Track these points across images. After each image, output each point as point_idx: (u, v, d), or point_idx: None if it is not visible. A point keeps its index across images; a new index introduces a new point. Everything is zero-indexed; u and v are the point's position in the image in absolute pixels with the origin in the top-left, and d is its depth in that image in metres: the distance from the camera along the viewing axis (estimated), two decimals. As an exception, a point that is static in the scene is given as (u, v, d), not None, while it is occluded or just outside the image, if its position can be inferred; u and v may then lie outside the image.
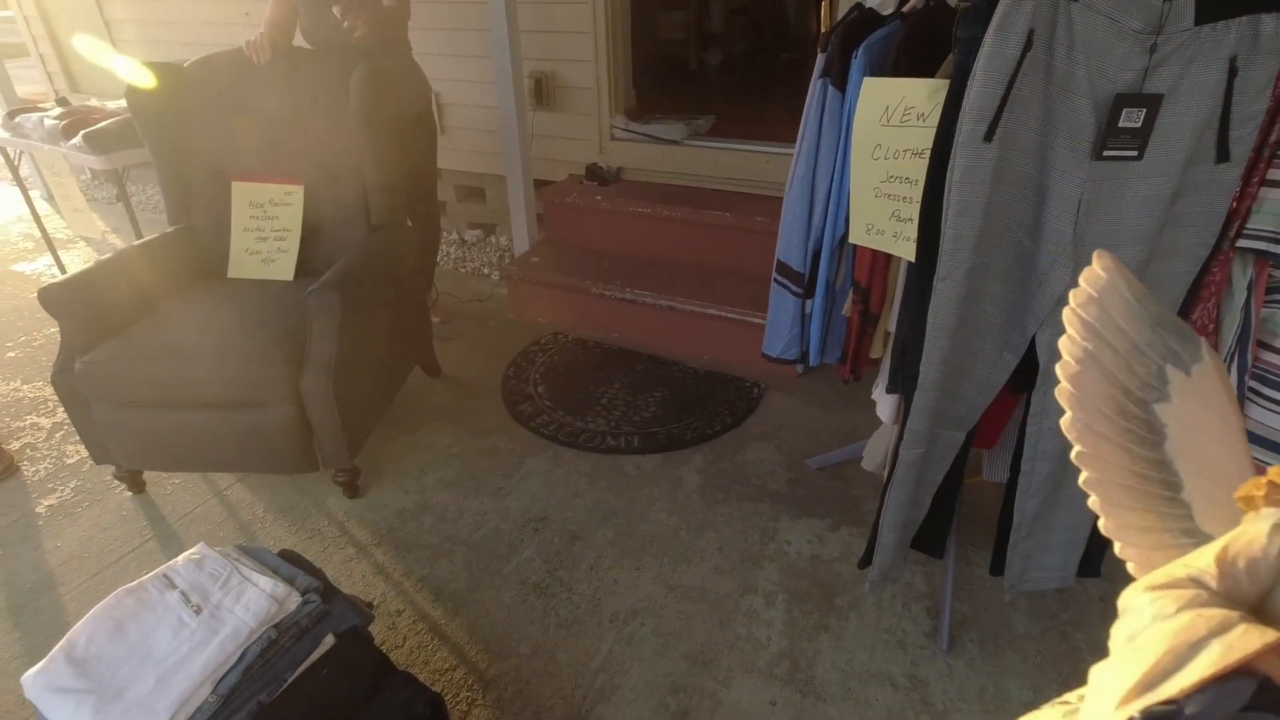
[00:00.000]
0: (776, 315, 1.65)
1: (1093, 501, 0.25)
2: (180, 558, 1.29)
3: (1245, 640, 0.17)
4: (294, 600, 1.22)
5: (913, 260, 1.26)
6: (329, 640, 1.21)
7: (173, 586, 1.23)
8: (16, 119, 2.65)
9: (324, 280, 1.78)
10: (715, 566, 1.75)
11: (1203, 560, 0.19)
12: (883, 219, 1.34)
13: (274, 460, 1.85)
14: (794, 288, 1.59)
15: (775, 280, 1.63)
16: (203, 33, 3.69)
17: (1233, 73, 0.99)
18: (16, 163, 2.95)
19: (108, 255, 1.95)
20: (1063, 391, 0.25)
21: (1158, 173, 1.06)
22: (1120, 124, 1.04)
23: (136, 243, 2.02)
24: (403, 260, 2.18)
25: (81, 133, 2.37)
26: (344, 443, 1.83)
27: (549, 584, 1.71)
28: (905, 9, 1.37)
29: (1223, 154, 1.04)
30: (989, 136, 1.05)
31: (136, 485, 1.99)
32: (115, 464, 1.91)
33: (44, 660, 1.12)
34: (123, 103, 2.51)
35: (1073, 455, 0.25)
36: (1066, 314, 0.25)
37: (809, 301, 1.59)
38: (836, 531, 1.85)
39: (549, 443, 2.20)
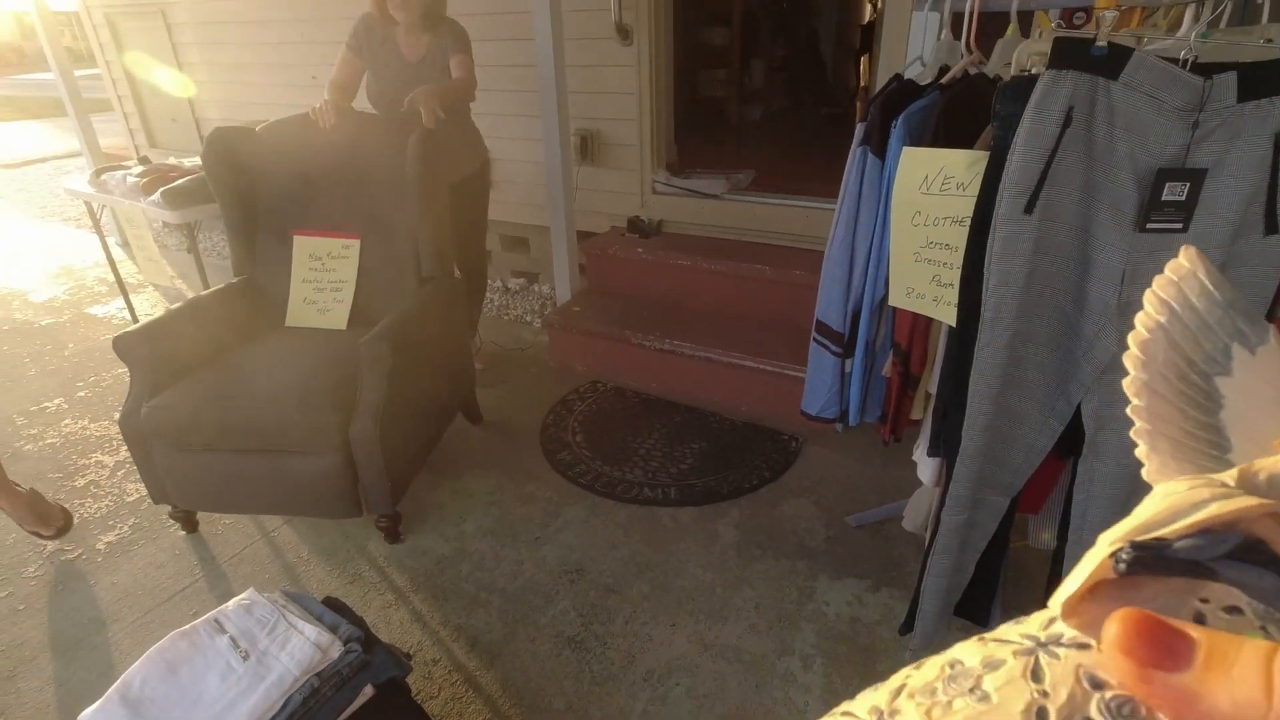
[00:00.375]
0: (816, 374, 1.66)
1: (1140, 450, 0.25)
2: (231, 603, 1.33)
3: (1244, 500, 0.18)
4: (336, 649, 1.25)
5: (954, 325, 1.26)
6: (368, 691, 1.23)
7: (223, 631, 1.27)
8: (102, 176, 2.85)
9: (376, 331, 1.85)
10: (751, 625, 1.73)
11: (1225, 474, 0.20)
12: (923, 283, 1.36)
13: (321, 505, 1.90)
14: (833, 347, 1.60)
15: (814, 339, 1.64)
16: (276, 94, 3.93)
17: (1278, 147, 0.99)
18: (99, 215, 3.16)
19: (177, 304, 2.06)
20: (1130, 356, 0.26)
21: (1204, 245, 1.05)
22: (1163, 197, 1.04)
23: (204, 293, 2.14)
24: (450, 311, 2.25)
25: (160, 190, 2.54)
26: (388, 489, 1.87)
27: (584, 638, 1.71)
28: (944, 80, 1.40)
29: (1271, 226, 1.04)
30: (1029, 209, 1.07)
31: (190, 525, 2.06)
32: (171, 503, 1.99)
33: (100, 700, 1.16)
34: (198, 160, 2.69)
35: (1129, 409, 0.25)
36: (1146, 293, 0.26)
37: (848, 361, 1.60)
38: (877, 593, 1.81)
39: (586, 492, 2.21)
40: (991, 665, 0.18)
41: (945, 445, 1.32)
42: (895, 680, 0.20)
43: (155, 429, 1.82)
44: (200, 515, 2.09)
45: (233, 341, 2.05)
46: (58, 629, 1.77)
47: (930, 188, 1.28)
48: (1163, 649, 0.15)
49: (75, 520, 2.12)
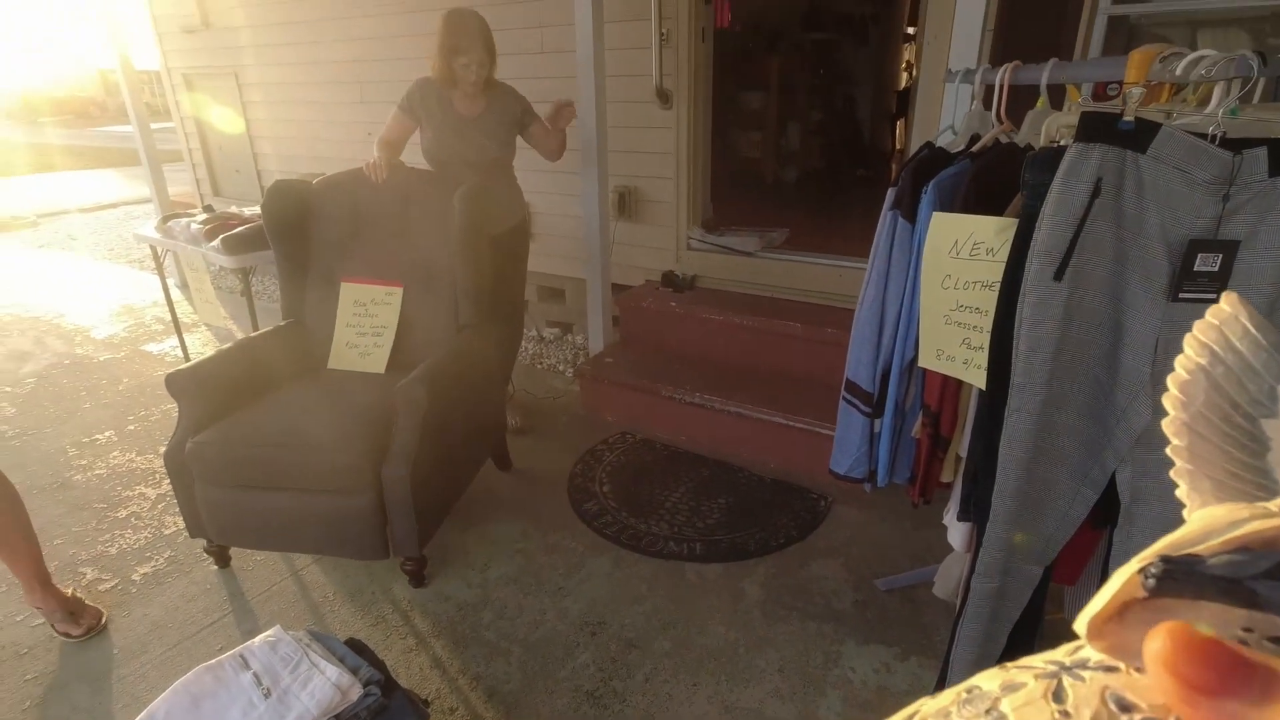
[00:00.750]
0: (845, 433, 1.66)
1: (1180, 491, 0.24)
2: (258, 639, 1.35)
3: None
4: (356, 691, 1.25)
5: (983, 389, 1.26)
6: (386, 735, 1.22)
7: (247, 667, 1.29)
8: (169, 223, 3.04)
9: (413, 376, 1.90)
10: (775, 689, 1.68)
11: (1270, 503, 0.18)
12: (953, 345, 1.36)
13: (350, 545, 1.93)
14: (862, 406, 1.59)
15: (844, 398, 1.64)
16: (333, 149, 4.15)
17: (1313, 222, 0.99)
18: (163, 259, 3.34)
19: (227, 345, 2.15)
20: (1170, 397, 0.25)
21: (1239, 315, 1.04)
22: (1196, 267, 1.04)
23: (253, 334, 2.23)
24: (485, 359, 2.31)
25: (220, 237, 2.69)
26: (415, 532, 1.90)
27: (603, 693, 1.68)
28: (975, 149, 1.43)
29: (1309, 299, 1.03)
30: (1059, 276, 1.07)
31: (223, 560, 2.11)
32: (207, 538, 2.03)
33: (126, 730, 1.18)
34: (257, 209, 2.84)
35: (1168, 449, 0.24)
36: (1186, 337, 0.25)
37: (877, 421, 1.59)
38: (905, 661, 1.75)
39: (611, 544, 2.21)
40: (1011, 688, 0.17)
41: (976, 510, 1.30)
42: (909, 709, 0.20)
43: (197, 464, 1.88)
44: (233, 551, 2.13)
45: (276, 381, 2.13)
46: (88, 658, 1.80)
47: (960, 252, 1.30)
48: (1218, 671, 0.14)
49: (115, 552, 2.19)
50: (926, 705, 0.20)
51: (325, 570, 2.11)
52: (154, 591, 2.02)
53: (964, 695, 0.19)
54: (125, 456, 2.75)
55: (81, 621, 1.86)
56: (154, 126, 4.54)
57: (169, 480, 1.98)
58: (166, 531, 2.29)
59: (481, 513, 2.37)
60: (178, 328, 3.50)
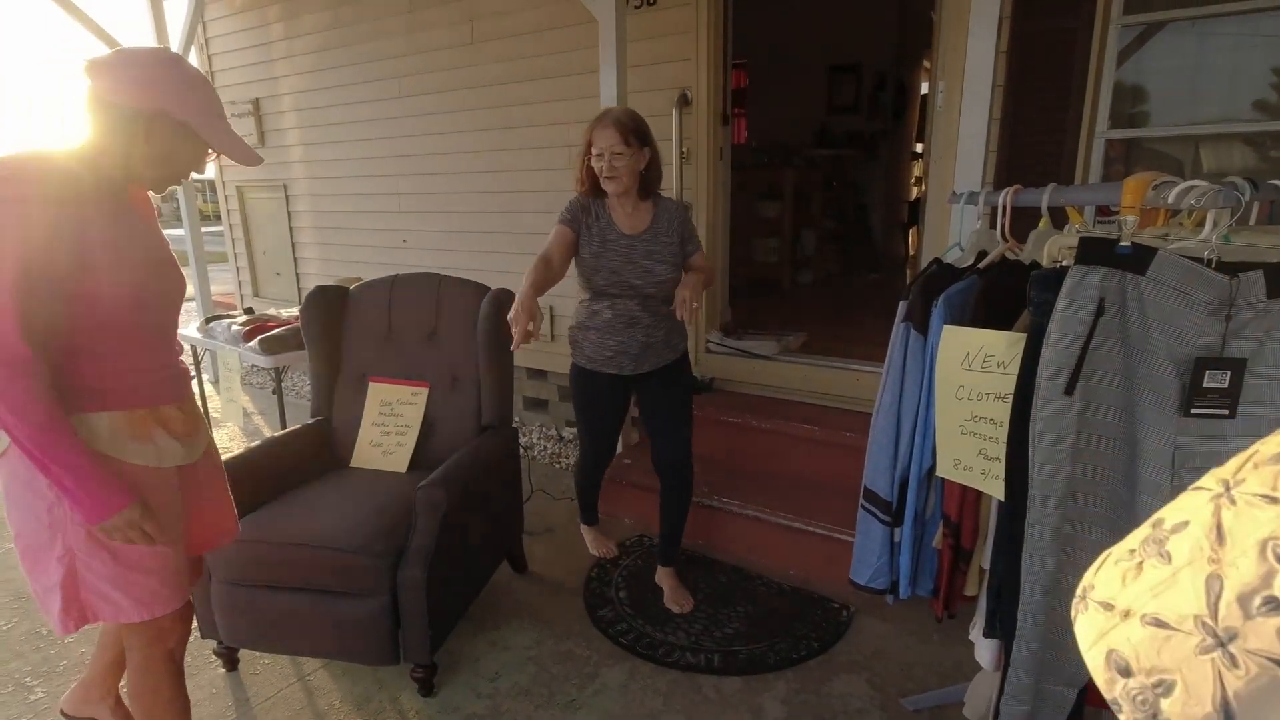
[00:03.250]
0: (864, 542, 1.63)
1: None
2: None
3: None
4: (360, 810, 1.20)
5: (1002, 499, 1.25)
6: None
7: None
8: (211, 324, 3.19)
9: (433, 477, 1.93)
10: (799, 822, 1.57)
11: None
12: (969, 455, 1.37)
13: (360, 650, 1.89)
14: (881, 515, 1.58)
15: (862, 506, 1.63)
16: (370, 254, 4.37)
17: (1316, 341, 1.01)
18: (201, 358, 3.48)
19: (256, 442, 2.21)
20: None
21: (1254, 431, 1.05)
22: (1205, 384, 1.06)
23: (280, 432, 2.29)
24: (505, 459, 2.34)
25: (258, 338, 2.81)
26: (428, 637, 1.86)
27: (615, 821, 1.58)
28: (981, 265, 1.50)
29: (1323, 416, 1.03)
30: (1069, 390, 1.10)
31: (231, 663, 2.07)
32: (217, 639, 2.01)
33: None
34: (294, 310, 2.98)
35: None
36: None
37: (897, 530, 1.58)
38: (939, 794, 1.64)
39: (626, 653, 2.14)
40: (1178, 527, 0.17)
41: (1002, 627, 1.26)
42: (1101, 556, 0.19)
43: (217, 562, 1.89)
44: (241, 654, 2.09)
45: (300, 478, 2.16)
46: (88, 765, 1.75)
47: (972, 364, 1.33)
48: None
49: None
50: (1116, 549, 0.20)
51: (333, 676, 2.06)
52: (160, 695, 1.98)
53: (1148, 530, 0.19)
54: (144, 551, 2.75)
55: None
56: (204, 230, 4.84)
57: (187, 578, 1.97)
58: (178, 631, 2.26)
59: (494, 617, 2.32)
60: (209, 424, 3.59)
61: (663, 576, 2.42)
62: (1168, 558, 0.19)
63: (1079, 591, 0.22)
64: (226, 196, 5.19)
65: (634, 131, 1.96)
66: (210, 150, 1.31)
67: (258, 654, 2.11)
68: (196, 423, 1.44)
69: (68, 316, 1.19)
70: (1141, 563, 0.20)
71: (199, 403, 3.35)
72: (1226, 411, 1.06)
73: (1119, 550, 0.22)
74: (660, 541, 2.43)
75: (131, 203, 1.31)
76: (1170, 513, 0.21)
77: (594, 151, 1.97)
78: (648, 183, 2.06)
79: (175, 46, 4.39)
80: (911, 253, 6.05)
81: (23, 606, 2.40)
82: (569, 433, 3.86)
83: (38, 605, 1.32)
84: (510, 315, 1.70)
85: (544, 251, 1.95)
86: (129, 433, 1.27)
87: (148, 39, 4.34)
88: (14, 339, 1.10)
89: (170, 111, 1.23)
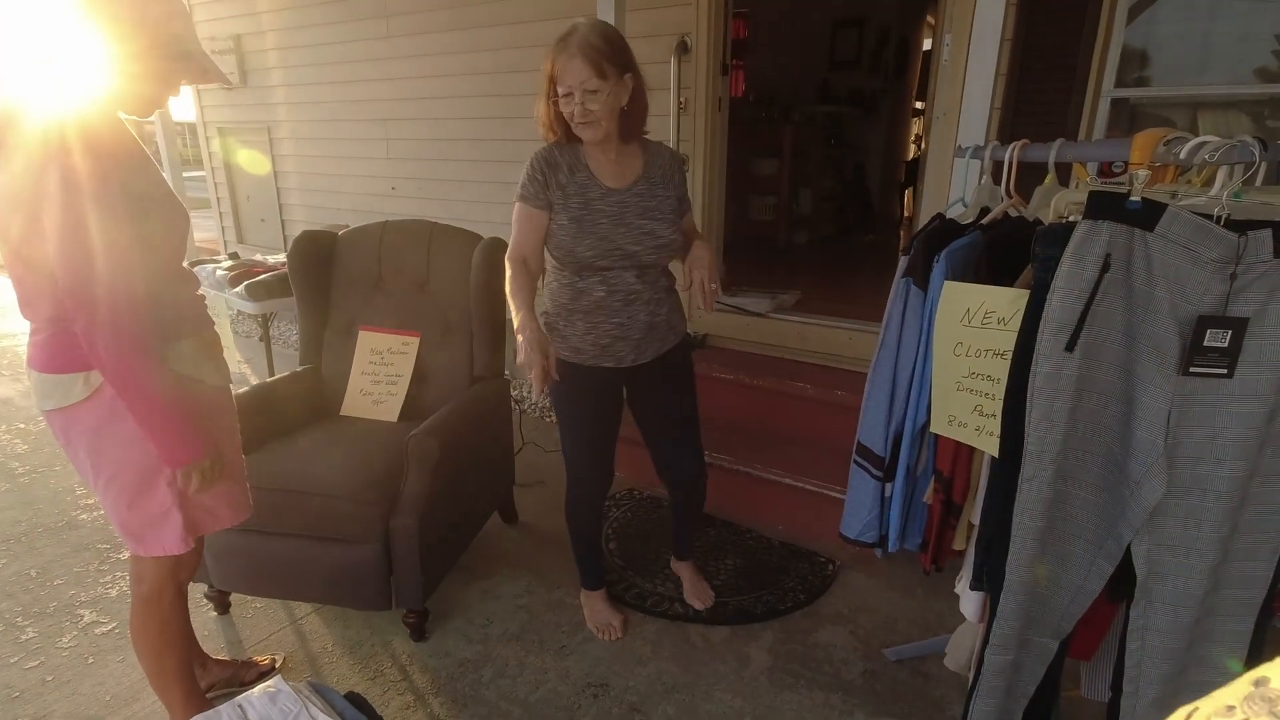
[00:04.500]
0: (856, 496, 1.65)
1: None
2: (257, 689, 1.33)
3: None
4: (355, 747, 1.22)
5: (996, 456, 1.26)
6: (382, 796, 1.19)
7: (245, 718, 1.27)
8: (195, 268, 3.12)
9: (424, 426, 1.92)
10: (782, 764, 1.62)
11: None
12: (965, 412, 1.37)
13: (353, 595, 1.91)
14: (874, 470, 1.59)
15: (855, 461, 1.64)
16: (358, 201, 4.28)
17: (1320, 302, 1.01)
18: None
19: (243, 389, 2.18)
20: None
21: (1251, 392, 1.05)
22: (1206, 343, 1.06)
23: (269, 379, 2.26)
24: (497, 411, 2.33)
25: (244, 283, 2.75)
26: (420, 584, 1.88)
27: (604, 761, 1.63)
28: (985, 221, 1.48)
29: (1320, 378, 1.04)
30: (1070, 347, 1.09)
31: (223, 606, 2.08)
32: (208, 583, 2.02)
33: (118, 780, 1.15)
34: (281, 257, 2.92)
35: None
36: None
37: (889, 485, 1.59)
38: (917, 739, 1.69)
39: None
40: None
41: (989, 580, 1.28)
42: (1186, 709, 0.19)
43: (207, 506, 1.88)
44: (233, 597, 2.11)
45: (290, 426, 2.14)
46: (82, 704, 1.77)
47: (972, 320, 1.32)
48: None
49: (114, 594, 2.17)
50: (1205, 704, 0.19)
51: (325, 620, 2.08)
52: (151, 636, 1.99)
53: (1251, 689, 0.18)
54: (132, 497, 2.75)
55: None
56: (185, 175, 4.71)
57: (176, 522, 1.97)
58: (168, 575, 2.27)
59: (486, 566, 2.34)
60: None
61: (680, 569, 2.23)
62: None
63: None
64: (207, 138, 5.03)
65: (609, 58, 1.49)
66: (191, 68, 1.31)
67: (249, 598, 2.13)
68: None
69: (147, 260, 1.26)
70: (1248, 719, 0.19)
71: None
72: (1225, 371, 1.06)
73: (1209, 706, 0.20)
74: (674, 540, 2.23)
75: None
76: (1277, 672, 0.19)
77: (560, 90, 1.52)
78: (632, 122, 1.60)
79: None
80: (908, 214, 6.01)
81: (10, 549, 2.39)
82: (560, 387, 3.86)
83: (130, 542, 1.39)
84: (521, 360, 1.44)
85: (514, 250, 1.62)
86: (204, 354, 1.41)
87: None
88: (134, 284, 1.21)
89: (163, 27, 1.24)
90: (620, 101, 1.56)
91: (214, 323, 1.50)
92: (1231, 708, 0.19)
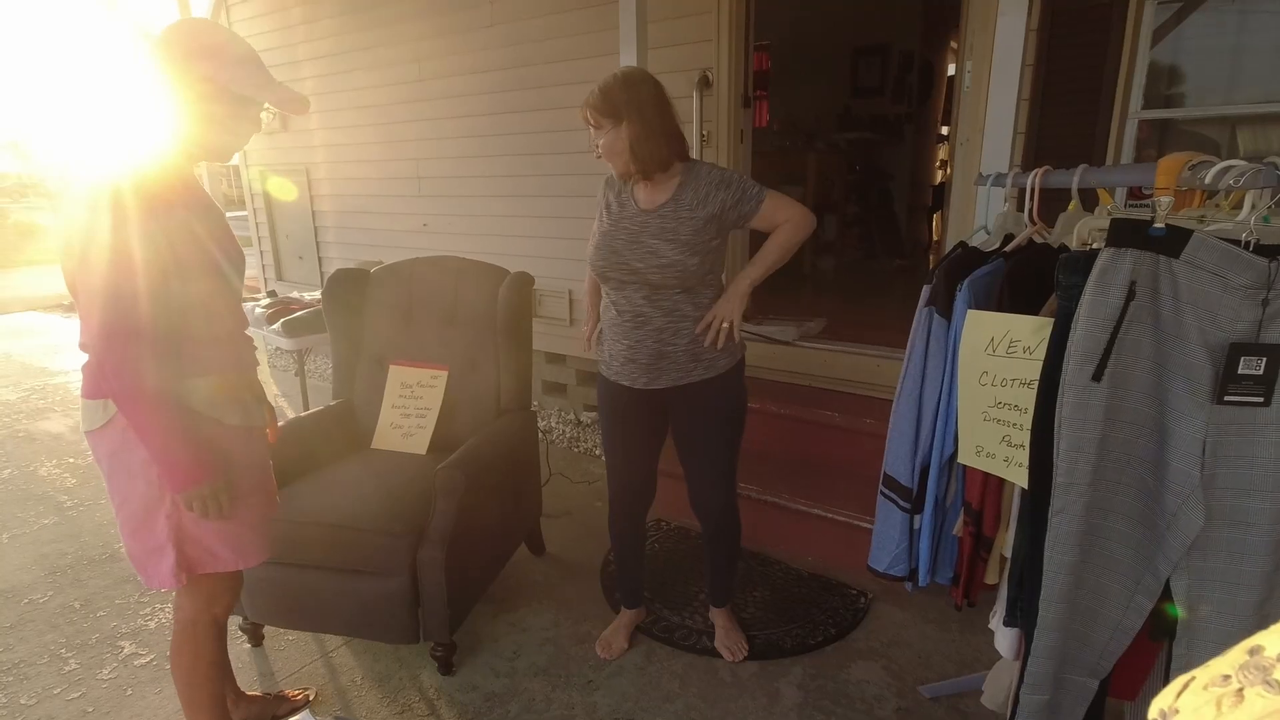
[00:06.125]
0: (883, 528, 1.62)
1: None
2: (287, 722, 1.35)
3: None
4: (381, 783, 1.23)
5: (1025, 487, 1.23)
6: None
7: (275, 752, 1.28)
8: (233, 304, 3.24)
9: (452, 459, 1.94)
10: (814, 806, 1.58)
11: None
12: (993, 442, 1.34)
13: (381, 628, 1.92)
14: (901, 502, 1.57)
15: (882, 492, 1.61)
16: (390, 238, 4.39)
17: (1357, 328, 0.98)
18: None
19: (281, 423, 2.24)
20: None
21: (1290, 421, 1.02)
22: (1240, 371, 1.03)
23: (305, 414, 2.32)
24: (524, 442, 2.35)
25: (281, 320, 2.84)
26: (447, 617, 1.89)
27: (631, 800, 1.60)
28: (1008, 249, 1.46)
29: (1362, 406, 1.00)
30: (1097, 377, 1.07)
31: (256, 638, 2.12)
32: (243, 615, 2.05)
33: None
34: (317, 294, 3.00)
35: None
36: None
37: (917, 517, 1.56)
38: (955, 782, 1.63)
39: (643, 636, 2.15)
40: None
41: (1023, 616, 1.24)
42: (1183, 679, 0.19)
43: (242, 539, 1.92)
44: (266, 630, 2.14)
45: (322, 459, 2.19)
46: (120, 735, 1.80)
47: (996, 349, 1.30)
48: None
49: (154, 626, 2.22)
50: (1202, 673, 0.19)
51: (355, 653, 2.10)
52: (187, 668, 2.03)
53: (1245, 657, 0.18)
54: (172, 529, 2.82)
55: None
56: (228, 215, 4.90)
57: (213, 555, 2.02)
58: (205, 606, 2.31)
59: (513, 598, 2.34)
60: (232, 404, 3.65)
61: (715, 616, 2.13)
62: (1277, 687, 0.17)
63: (1155, 714, 0.20)
64: (250, 180, 5.24)
65: (601, 110, 1.62)
66: (265, 105, 1.37)
67: (282, 630, 2.16)
68: (262, 389, 1.56)
69: (180, 296, 1.29)
70: (1242, 689, 0.19)
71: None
72: (1261, 399, 1.03)
73: (1205, 675, 0.20)
74: (707, 585, 2.16)
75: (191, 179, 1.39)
76: (1271, 640, 0.19)
77: (592, 137, 1.69)
78: (641, 160, 1.65)
79: (199, 31, 4.42)
80: (935, 238, 5.96)
81: (56, 581, 2.47)
82: (587, 417, 3.87)
83: (136, 570, 1.42)
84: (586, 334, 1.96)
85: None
86: (225, 395, 1.40)
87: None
88: (135, 318, 1.22)
89: (230, 75, 1.29)
90: (623, 143, 1.64)
91: (255, 366, 1.51)
92: (1227, 677, 0.19)
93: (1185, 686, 0.20)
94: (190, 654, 1.52)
